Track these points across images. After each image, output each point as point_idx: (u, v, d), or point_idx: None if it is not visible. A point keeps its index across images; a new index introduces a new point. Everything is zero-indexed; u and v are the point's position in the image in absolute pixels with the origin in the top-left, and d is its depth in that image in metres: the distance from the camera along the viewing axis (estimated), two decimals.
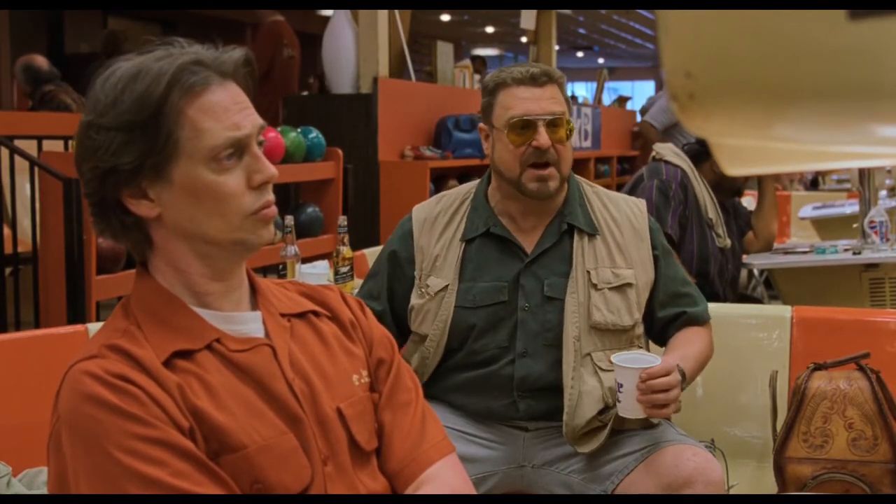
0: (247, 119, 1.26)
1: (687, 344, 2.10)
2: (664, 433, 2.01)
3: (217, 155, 1.23)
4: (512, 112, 2.08)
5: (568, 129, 2.10)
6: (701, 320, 2.17)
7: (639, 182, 3.59)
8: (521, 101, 2.08)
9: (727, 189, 3.70)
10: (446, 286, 2.10)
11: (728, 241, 3.59)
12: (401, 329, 2.18)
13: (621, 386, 1.90)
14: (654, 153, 3.72)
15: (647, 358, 1.94)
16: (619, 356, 1.94)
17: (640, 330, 2.11)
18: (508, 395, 2.08)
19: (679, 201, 3.48)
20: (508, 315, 2.08)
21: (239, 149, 1.25)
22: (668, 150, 3.71)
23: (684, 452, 1.92)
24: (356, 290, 3.04)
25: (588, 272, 2.07)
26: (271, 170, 1.27)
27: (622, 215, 2.16)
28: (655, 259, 2.15)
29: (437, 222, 2.17)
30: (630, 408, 1.91)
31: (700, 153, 3.71)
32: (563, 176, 2.12)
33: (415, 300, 2.14)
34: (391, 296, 2.19)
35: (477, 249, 2.13)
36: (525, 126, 2.07)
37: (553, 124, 2.08)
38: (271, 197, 1.28)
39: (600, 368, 2.02)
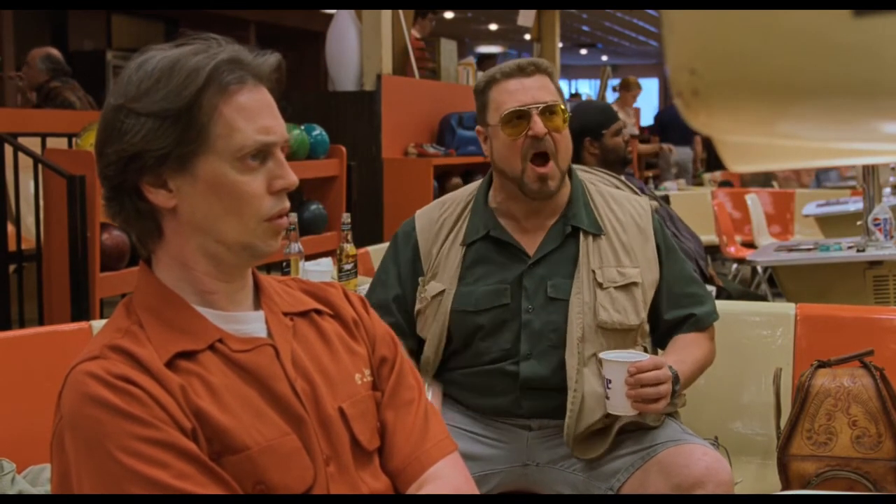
0: (277, 125, 1.27)
1: (685, 349, 2.09)
2: (670, 432, 1.99)
3: (244, 155, 1.24)
4: (505, 105, 2.08)
5: (564, 117, 2.09)
6: (708, 322, 2.16)
7: None
8: (513, 94, 2.09)
9: (614, 161, 3.51)
10: (443, 290, 2.10)
11: (654, 203, 3.46)
12: (414, 333, 2.16)
13: (609, 382, 1.88)
14: None
15: (637, 355, 1.92)
16: (607, 353, 1.93)
17: (645, 329, 2.09)
18: (512, 393, 2.07)
19: None
20: (512, 318, 2.07)
21: (265, 152, 1.26)
22: None
23: (694, 452, 1.91)
24: (360, 288, 3.04)
25: (593, 272, 2.06)
26: (292, 177, 1.28)
27: (626, 215, 2.15)
28: (660, 257, 2.13)
29: (440, 229, 2.17)
30: (619, 404, 1.88)
31: (575, 149, 3.57)
32: (562, 169, 2.10)
33: (417, 306, 2.14)
34: (402, 301, 2.17)
35: (478, 252, 2.12)
36: (520, 116, 2.07)
37: (547, 111, 2.07)
38: (287, 204, 1.29)
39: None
